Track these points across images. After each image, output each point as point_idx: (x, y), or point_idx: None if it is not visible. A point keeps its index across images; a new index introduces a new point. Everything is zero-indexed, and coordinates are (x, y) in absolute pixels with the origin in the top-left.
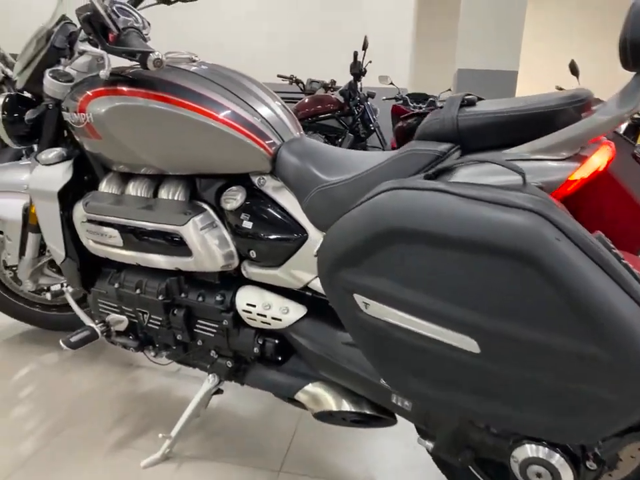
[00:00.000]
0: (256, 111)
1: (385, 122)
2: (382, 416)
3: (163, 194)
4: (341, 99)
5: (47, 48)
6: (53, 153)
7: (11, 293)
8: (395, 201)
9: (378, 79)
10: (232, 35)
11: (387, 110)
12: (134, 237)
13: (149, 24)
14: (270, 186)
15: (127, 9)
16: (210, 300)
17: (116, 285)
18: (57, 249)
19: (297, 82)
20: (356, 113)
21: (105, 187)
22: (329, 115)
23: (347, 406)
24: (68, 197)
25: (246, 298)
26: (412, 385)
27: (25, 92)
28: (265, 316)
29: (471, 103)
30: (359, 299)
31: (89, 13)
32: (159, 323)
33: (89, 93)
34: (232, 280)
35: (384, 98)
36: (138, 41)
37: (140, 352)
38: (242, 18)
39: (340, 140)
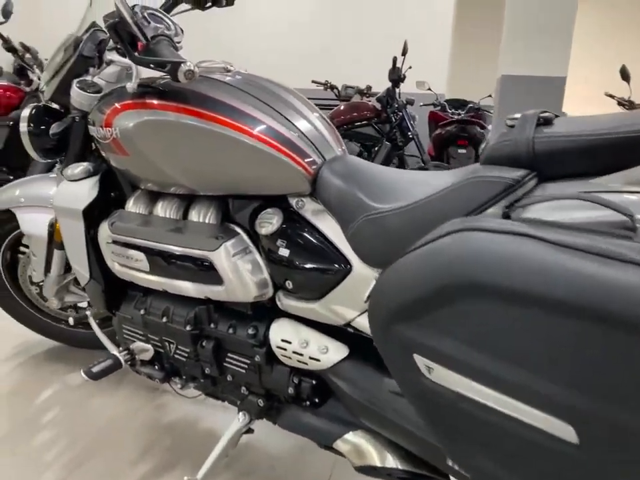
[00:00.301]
0: (294, 125)
1: (421, 129)
2: (434, 476)
3: (193, 215)
4: (378, 106)
5: (74, 57)
6: (78, 168)
7: (37, 308)
8: (466, 247)
9: (415, 85)
10: (266, 39)
11: (423, 116)
12: (161, 261)
13: (181, 31)
14: (309, 209)
15: (159, 15)
16: (241, 332)
17: (142, 311)
18: (81, 269)
19: (332, 87)
20: (393, 120)
21: (132, 205)
22: (365, 122)
23: (392, 462)
24: (93, 215)
25: (280, 333)
26: (479, 463)
27: (52, 103)
28: (301, 355)
29: (548, 122)
30: (421, 360)
31: (115, 20)
32: (186, 355)
33: (115, 106)
34: (266, 311)
35: (421, 104)
36: (169, 50)
37: (166, 383)
38: (277, 23)
39: (376, 148)
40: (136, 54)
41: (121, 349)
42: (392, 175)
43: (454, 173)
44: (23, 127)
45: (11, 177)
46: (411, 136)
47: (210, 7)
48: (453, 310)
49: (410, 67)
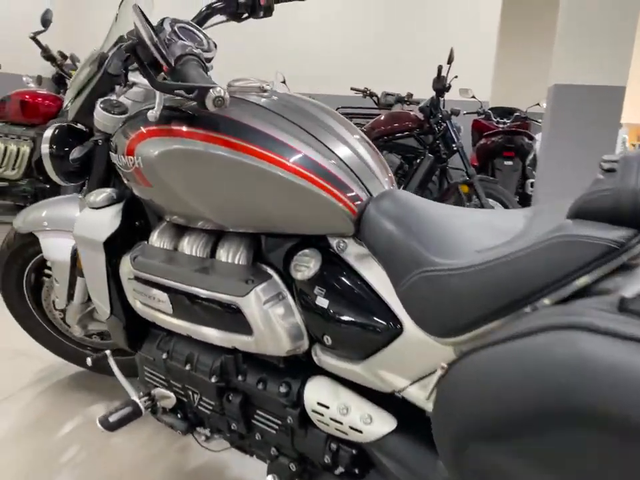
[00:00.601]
0: (336, 154)
1: (464, 138)
2: None
3: (222, 254)
4: (421, 116)
5: (99, 74)
6: (101, 195)
7: (61, 333)
8: (578, 357)
9: (458, 92)
10: (305, 45)
11: (466, 125)
12: (185, 304)
13: (215, 46)
14: (352, 253)
15: (190, 28)
16: (272, 388)
17: (164, 355)
18: (102, 304)
19: (371, 95)
20: (437, 131)
21: (156, 239)
22: (406, 133)
23: None
24: (115, 247)
25: (317, 394)
26: None
27: (78, 123)
28: (340, 423)
29: None
30: None
31: (134, 41)
32: (211, 408)
33: (137, 132)
34: (300, 365)
35: (464, 112)
36: (197, 71)
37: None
38: (316, 27)
39: (418, 160)
40: (159, 78)
41: (141, 394)
42: (452, 217)
43: (527, 216)
44: (45, 148)
45: (47, 186)
46: (455, 148)
47: (246, 18)
48: (558, 437)
49: (456, 77)
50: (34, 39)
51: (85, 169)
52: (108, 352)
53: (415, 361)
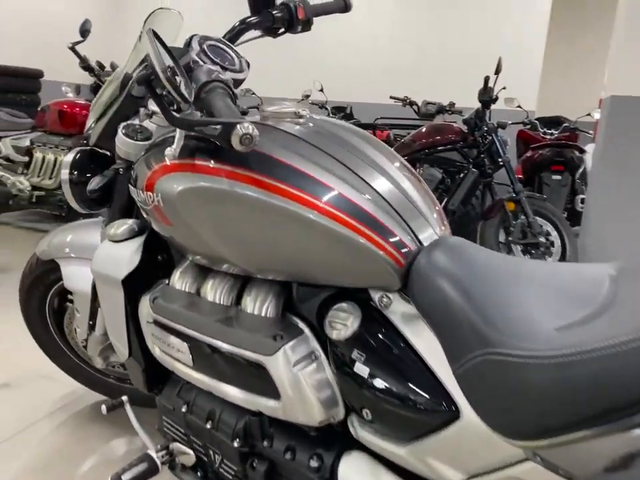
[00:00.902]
0: (378, 193)
1: (509, 150)
2: None
3: (248, 303)
4: (464, 128)
5: (122, 97)
6: (122, 227)
7: (83, 360)
8: None
9: (504, 102)
10: (343, 51)
11: (511, 135)
12: (207, 357)
13: (248, 65)
14: (398, 311)
15: (221, 46)
16: (302, 459)
17: (184, 407)
18: (120, 345)
19: (411, 104)
20: (482, 145)
21: (177, 279)
22: (449, 146)
23: None
24: (135, 285)
25: (353, 473)
26: None
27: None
28: None
29: None
30: None
31: (147, 73)
32: (233, 473)
33: (157, 166)
34: (334, 436)
35: (509, 122)
36: (223, 101)
37: None
38: (356, 36)
39: (461, 175)
40: (176, 116)
41: (159, 446)
42: (521, 276)
43: (611, 275)
44: (64, 174)
45: None
46: (501, 163)
47: (283, 33)
48: None
49: (503, 88)
50: (72, 49)
51: (106, 196)
52: (125, 398)
53: (473, 455)
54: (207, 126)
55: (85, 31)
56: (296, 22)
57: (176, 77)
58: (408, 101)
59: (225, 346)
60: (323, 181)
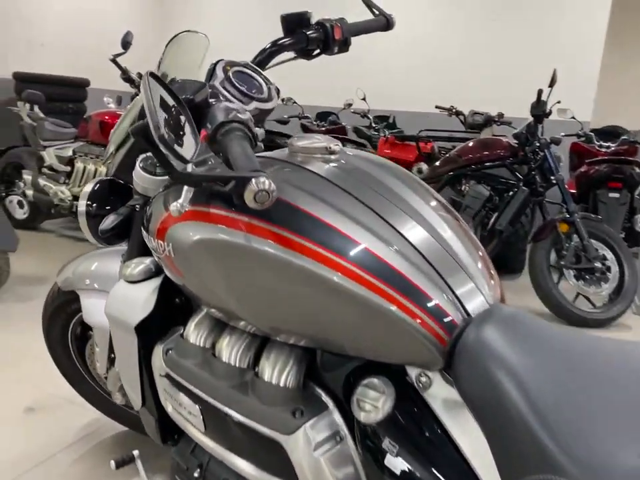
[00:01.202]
0: (416, 249)
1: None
2: None
3: (266, 368)
4: (513, 143)
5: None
6: (139, 267)
7: (105, 391)
8: None
9: (556, 113)
10: (386, 57)
11: (564, 148)
12: (220, 425)
13: (278, 92)
14: (439, 396)
15: (248, 72)
16: None
17: (196, 473)
18: (133, 393)
19: (457, 113)
20: (533, 161)
21: (192, 331)
22: (498, 162)
23: None
24: (149, 331)
25: None
26: None
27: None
28: None
29: None
30: None
31: (143, 124)
32: None
33: (168, 212)
34: None
35: (562, 134)
36: (241, 146)
37: None
38: (400, 44)
39: (510, 193)
40: (179, 171)
41: None
42: (600, 366)
43: None
44: (82, 205)
45: None
46: (554, 181)
47: (318, 55)
48: None
49: (558, 102)
50: (114, 61)
51: (124, 231)
52: (136, 453)
53: None
54: (216, 182)
55: (126, 43)
56: (332, 43)
57: (181, 124)
58: (454, 110)
59: (238, 416)
60: (349, 234)
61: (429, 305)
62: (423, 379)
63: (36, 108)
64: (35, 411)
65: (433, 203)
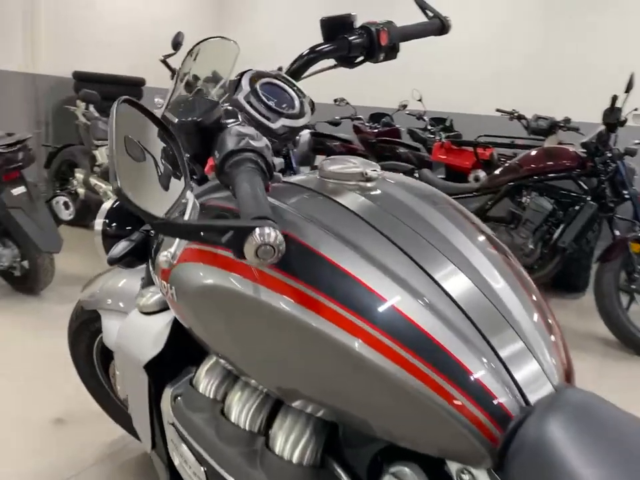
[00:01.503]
0: (460, 308)
1: (637, 182)
2: None
3: (279, 437)
4: (581, 152)
5: None
6: (153, 298)
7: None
8: None
9: (632, 119)
10: (445, 57)
11: (636, 158)
12: None
13: (312, 105)
14: None
15: (279, 83)
16: None
17: None
18: (143, 435)
19: (519, 118)
20: (604, 173)
21: (202, 379)
22: (563, 174)
23: None
24: (161, 368)
25: None
26: None
27: None
28: None
29: None
30: None
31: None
32: None
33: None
34: None
35: (637, 142)
36: (249, 183)
37: None
38: (461, 45)
39: (576, 207)
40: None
41: None
42: None
43: None
44: (98, 224)
45: None
46: (627, 196)
47: (361, 62)
48: None
49: (635, 109)
50: (164, 61)
51: (142, 253)
52: None
53: None
54: (208, 232)
55: (177, 44)
56: (378, 49)
57: (168, 160)
58: (516, 114)
59: None
60: (377, 290)
61: (474, 388)
62: (466, 478)
63: (91, 107)
64: (64, 422)
65: (485, 245)
